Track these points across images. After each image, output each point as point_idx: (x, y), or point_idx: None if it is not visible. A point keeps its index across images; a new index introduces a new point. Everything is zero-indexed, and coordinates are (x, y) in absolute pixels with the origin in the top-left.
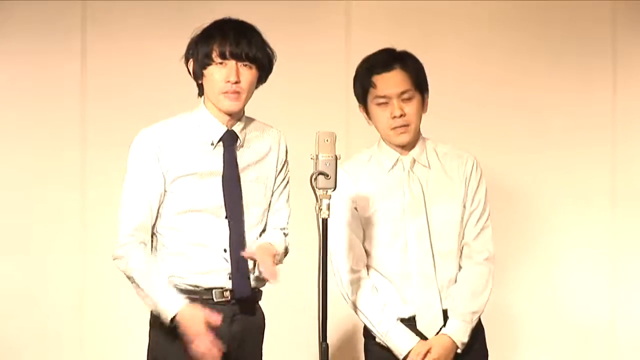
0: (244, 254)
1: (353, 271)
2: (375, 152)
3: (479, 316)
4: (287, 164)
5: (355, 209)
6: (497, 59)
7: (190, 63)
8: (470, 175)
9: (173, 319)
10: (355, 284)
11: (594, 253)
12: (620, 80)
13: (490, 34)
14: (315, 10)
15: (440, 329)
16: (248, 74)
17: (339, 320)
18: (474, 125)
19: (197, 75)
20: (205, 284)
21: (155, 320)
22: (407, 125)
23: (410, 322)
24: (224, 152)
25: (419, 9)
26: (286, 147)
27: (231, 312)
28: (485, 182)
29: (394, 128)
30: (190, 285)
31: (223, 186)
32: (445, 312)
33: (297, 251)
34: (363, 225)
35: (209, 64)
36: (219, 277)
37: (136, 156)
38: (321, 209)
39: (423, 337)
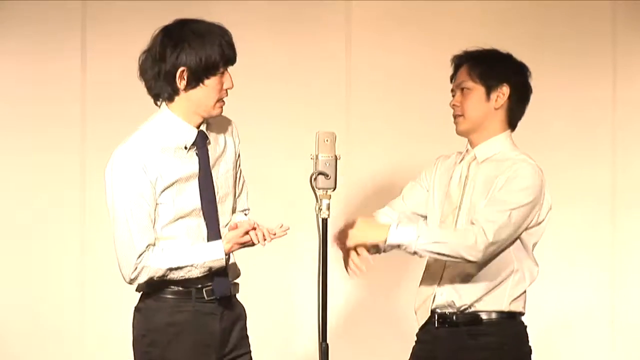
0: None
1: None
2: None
3: (427, 240)
4: (239, 146)
5: (427, 191)
6: None
7: (184, 72)
8: (506, 180)
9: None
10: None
11: (594, 253)
12: (620, 80)
13: (490, 34)
14: (315, 10)
15: (426, 323)
16: None
17: (339, 320)
18: None
19: (190, 84)
20: (195, 284)
21: (156, 323)
22: (460, 115)
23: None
24: (198, 153)
25: (418, 9)
26: (238, 131)
27: (220, 309)
28: (525, 188)
29: (453, 117)
30: (182, 287)
31: (200, 187)
32: (433, 312)
33: (297, 251)
34: (426, 211)
35: (215, 74)
36: (206, 276)
37: (123, 176)
38: (321, 209)
39: (424, 331)
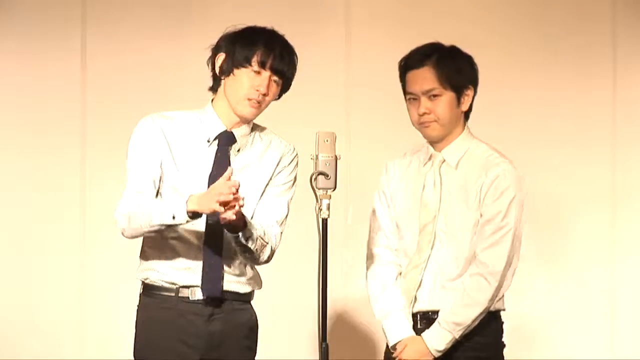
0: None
1: (373, 254)
2: (422, 148)
3: (465, 328)
4: (292, 173)
5: (391, 203)
6: (496, 58)
7: (220, 57)
8: (491, 184)
9: (191, 214)
10: (373, 266)
11: (594, 253)
12: (620, 80)
13: (490, 33)
14: (315, 10)
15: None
16: (275, 88)
17: (339, 320)
18: (472, 123)
19: (224, 72)
20: (181, 281)
21: (140, 319)
22: (434, 121)
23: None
24: (216, 151)
25: (418, 9)
26: (294, 158)
27: (209, 311)
28: (514, 196)
29: (421, 123)
30: (167, 282)
31: (208, 185)
32: (415, 315)
33: (297, 251)
34: (396, 219)
35: (245, 67)
36: (195, 275)
37: (141, 130)
38: (321, 209)
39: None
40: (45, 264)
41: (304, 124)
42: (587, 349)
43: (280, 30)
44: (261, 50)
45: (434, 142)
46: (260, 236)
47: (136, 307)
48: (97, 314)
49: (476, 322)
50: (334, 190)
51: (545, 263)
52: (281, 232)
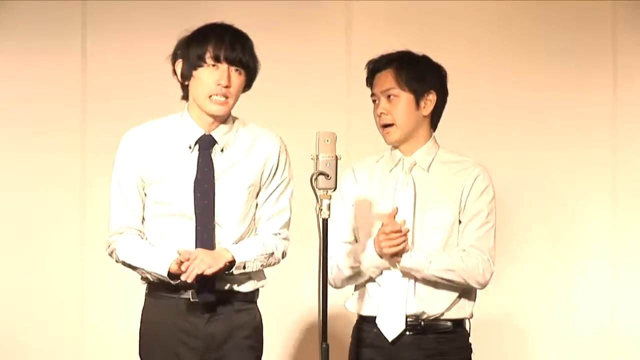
0: (179, 250)
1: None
2: (388, 152)
3: (428, 271)
4: (285, 170)
5: (352, 206)
6: (497, 58)
7: (179, 64)
8: (472, 186)
9: (173, 277)
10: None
11: (594, 253)
12: (620, 80)
13: (490, 34)
14: (316, 11)
15: (402, 333)
16: (237, 79)
17: (339, 320)
18: (472, 124)
19: (185, 77)
20: (180, 283)
21: (143, 319)
22: (390, 125)
23: (370, 321)
24: (198, 156)
25: (419, 9)
26: (281, 152)
27: (209, 313)
28: (493, 195)
29: (381, 126)
30: (172, 284)
31: (194, 190)
32: (407, 317)
33: (297, 251)
34: (358, 222)
35: (201, 66)
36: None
37: (117, 159)
38: (321, 209)
39: (383, 337)
40: (45, 264)
41: (304, 124)
42: (587, 349)
43: (281, 30)
44: (212, 44)
45: (395, 147)
46: (257, 257)
47: (141, 308)
48: (97, 314)
49: (443, 278)
50: (334, 190)
51: (546, 263)
52: (286, 236)
